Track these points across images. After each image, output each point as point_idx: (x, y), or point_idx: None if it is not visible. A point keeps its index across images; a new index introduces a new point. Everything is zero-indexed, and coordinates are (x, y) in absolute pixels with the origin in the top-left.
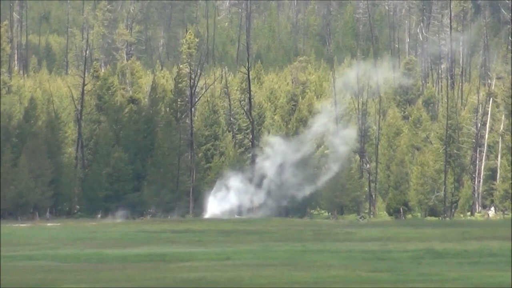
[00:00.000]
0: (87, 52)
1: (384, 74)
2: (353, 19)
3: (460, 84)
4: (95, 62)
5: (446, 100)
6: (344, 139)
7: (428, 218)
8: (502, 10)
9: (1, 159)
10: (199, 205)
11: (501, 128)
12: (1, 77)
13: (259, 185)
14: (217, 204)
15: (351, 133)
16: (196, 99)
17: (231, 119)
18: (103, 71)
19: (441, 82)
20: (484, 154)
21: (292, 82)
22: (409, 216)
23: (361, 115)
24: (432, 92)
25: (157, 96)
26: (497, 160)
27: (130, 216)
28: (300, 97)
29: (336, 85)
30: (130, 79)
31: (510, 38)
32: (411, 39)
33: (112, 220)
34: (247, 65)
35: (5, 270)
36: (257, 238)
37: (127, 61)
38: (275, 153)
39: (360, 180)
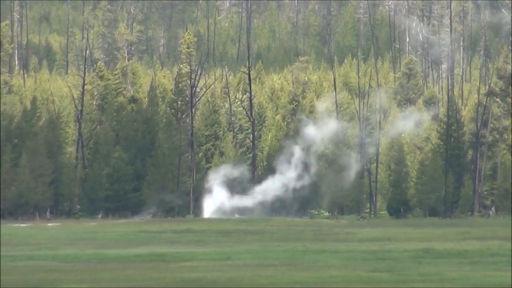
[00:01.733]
0: (87, 52)
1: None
2: (353, 19)
3: (461, 83)
4: (99, 62)
5: (446, 100)
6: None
7: (429, 218)
8: (502, 10)
9: (1, 159)
10: (199, 205)
11: (501, 128)
12: (2, 77)
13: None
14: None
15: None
16: (197, 99)
17: (232, 119)
18: (107, 71)
19: (442, 82)
20: (485, 154)
21: (293, 82)
22: (410, 216)
23: (362, 115)
24: (433, 92)
25: (157, 96)
26: (498, 160)
27: (131, 217)
28: (301, 97)
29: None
30: (131, 79)
31: (510, 38)
32: (411, 39)
33: (113, 221)
34: (247, 65)
35: (5, 270)
36: (257, 238)
37: (128, 61)
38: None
39: (360, 180)
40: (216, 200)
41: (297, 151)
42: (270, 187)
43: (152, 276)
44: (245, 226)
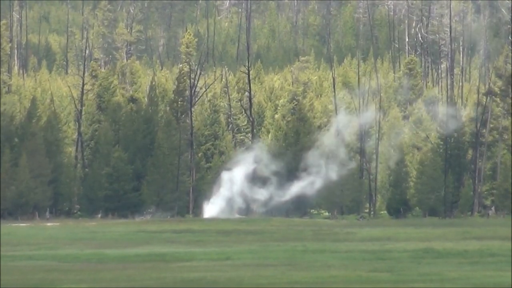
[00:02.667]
0: (87, 51)
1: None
2: (353, 19)
3: (460, 83)
4: (92, 62)
5: (446, 100)
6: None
7: (428, 217)
8: (502, 10)
9: (1, 159)
10: (199, 205)
11: (501, 128)
12: (1, 77)
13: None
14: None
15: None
16: (196, 99)
17: (231, 118)
18: (102, 70)
19: (441, 82)
20: (485, 154)
21: (293, 82)
22: (409, 215)
23: (361, 115)
24: (433, 91)
25: (156, 96)
26: (497, 160)
27: (130, 217)
28: (301, 97)
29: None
30: (130, 79)
31: (510, 38)
32: (411, 38)
33: (112, 220)
34: (247, 65)
35: (5, 270)
36: (257, 238)
37: (126, 60)
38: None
39: (360, 179)
40: (234, 186)
41: (329, 144)
42: (300, 185)
43: (152, 276)
44: (245, 226)
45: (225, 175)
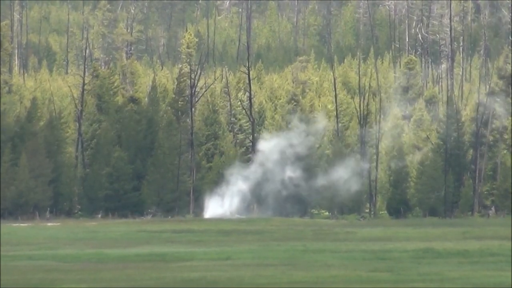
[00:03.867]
0: (87, 51)
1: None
2: (353, 19)
3: (461, 83)
4: (94, 61)
5: (446, 100)
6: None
7: (428, 217)
8: (502, 10)
9: (1, 159)
10: (199, 205)
11: (501, 128)
12: (2, 77)
13: None
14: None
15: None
16: (197, 99)
17: (232, 118)
18: (102, 70)
19: (442, 81)
20: (485, 154)
21: (293, 82)
22: (410, 215)
23: (362, 115)
24: (433, 91)
25: (157, 96)
26: (498, 160)
27: (131, 217)
28: (301, 97)
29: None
30: (131, 79)
31: (510, 38)
32: (411, 38)
33: (112, 220)
34: (247, 65)
35: (5, 270)
36: (257, 238)
37: (127, 60)
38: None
39: (360, 179)
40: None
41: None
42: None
43: (152, 276)
44: (245, 226)
45: (261, 146)
